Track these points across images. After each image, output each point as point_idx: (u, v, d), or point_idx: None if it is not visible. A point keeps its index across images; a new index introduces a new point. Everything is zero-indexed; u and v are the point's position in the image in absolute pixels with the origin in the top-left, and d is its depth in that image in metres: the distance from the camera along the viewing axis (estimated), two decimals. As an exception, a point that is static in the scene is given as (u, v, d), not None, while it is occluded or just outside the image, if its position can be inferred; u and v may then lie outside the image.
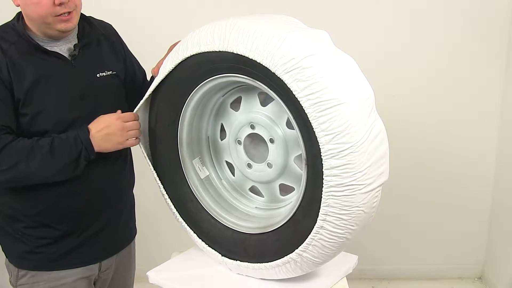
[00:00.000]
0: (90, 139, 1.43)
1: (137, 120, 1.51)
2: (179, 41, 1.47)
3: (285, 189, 1.49)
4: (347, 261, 1.58)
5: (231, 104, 1.51)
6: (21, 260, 1.55)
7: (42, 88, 1.43)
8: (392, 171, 1.25)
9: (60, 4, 1.38)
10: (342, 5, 2.58)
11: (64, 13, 1.40)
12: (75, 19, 1.45)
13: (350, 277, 1.57)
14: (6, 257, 1.60)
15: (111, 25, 1.68)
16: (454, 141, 2.75)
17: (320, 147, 1.17)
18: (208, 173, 1.57)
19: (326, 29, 1.28)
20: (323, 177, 1.19)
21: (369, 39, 2.60)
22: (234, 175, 1.59)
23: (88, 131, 1.44)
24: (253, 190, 1.57)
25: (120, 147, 1.48)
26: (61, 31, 1.43)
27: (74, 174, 1.45)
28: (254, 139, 1.49)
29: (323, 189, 1.20)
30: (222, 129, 1.55)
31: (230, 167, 1.59)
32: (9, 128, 1.40)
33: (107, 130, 1.45)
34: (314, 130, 1.17)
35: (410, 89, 2.69)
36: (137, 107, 1.52)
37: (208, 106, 1.51)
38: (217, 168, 1.60)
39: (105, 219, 1.58)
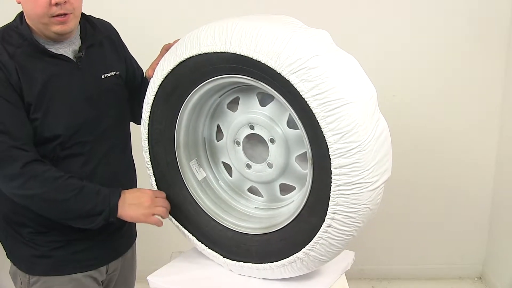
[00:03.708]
0: (117, 204, 1.42)
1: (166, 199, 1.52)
2: (172, 42, 1.46)
3: (285, 189, 1.48)
4: (345, 258, 1.58)
5: (227, 104, 1.50)
6: (32, 265, 1.50)
7: (52, 92, 1.40)
8: (392, 171, 1.26)
9: (56, 5, 1.35)
10: (342, 4, 2.58)
11: (61, 15, 1.37)
12: (72, 22, 1.41)
13: (350, 277, 1.57)
14: (14, 264, 1.54)
15: (110, 24, 1.66)
16: (454, 141, 2.75)
17: (329, 146, 1.17)
18: (205, 175, 1.56)
19: (325, 28, 1.28)
20: (332, 176, 1.19)
21: (369, 39, 2.60)
22: (231, 176, 1.58)
23: (119, 195, 1.43)
24: (252, 190, 1.56)
25: (142, 219, 1.46)
26: (57, 33, 1.40)
27: (89, 227, 1.43)
28: (251, 139, 1.47)
29: (331, 188, 1.20)
30: (218, 130, 1.54)
31: (227, 168, 1.58)
32: (26, 138, 1.37)
33: (137, 200, 1.44)
34: (322, 130, 1.17)
35: (410, 89, 2.69)
36: (143, 118, 1.50)
37: (205, 108, 1.49)
38: (214, 170, 1.59)
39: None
